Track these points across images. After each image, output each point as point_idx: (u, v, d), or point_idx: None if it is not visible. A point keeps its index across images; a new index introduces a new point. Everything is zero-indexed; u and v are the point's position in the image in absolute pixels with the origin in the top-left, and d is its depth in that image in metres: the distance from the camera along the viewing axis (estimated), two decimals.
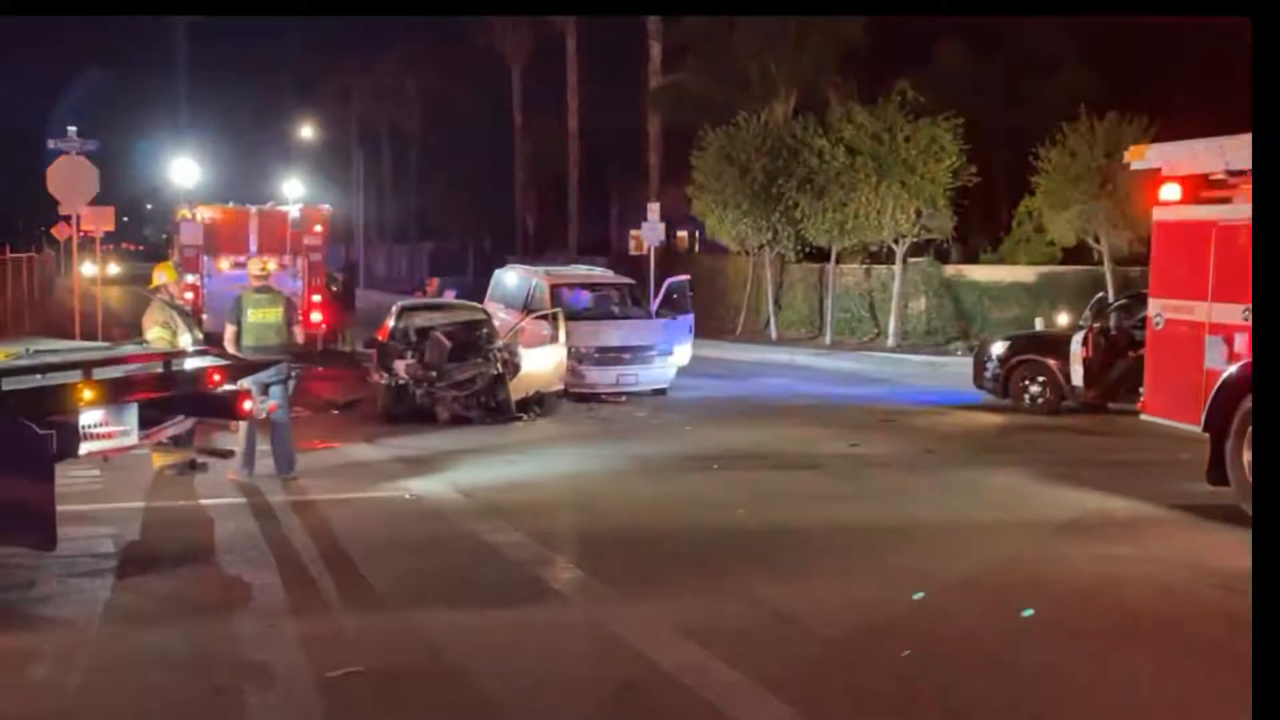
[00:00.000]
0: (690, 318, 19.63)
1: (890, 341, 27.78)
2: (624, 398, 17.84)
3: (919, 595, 7.83)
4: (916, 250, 28.43)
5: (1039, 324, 19.16)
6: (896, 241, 27.36)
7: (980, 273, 28.49)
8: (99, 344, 13.01)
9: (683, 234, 46.47)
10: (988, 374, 17.50)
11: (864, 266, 29.63)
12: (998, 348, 17.61)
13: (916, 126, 26.57)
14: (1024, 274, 27.18)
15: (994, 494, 11.53)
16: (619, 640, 6.97)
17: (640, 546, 9.24)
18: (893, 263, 28.10)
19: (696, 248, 45.31)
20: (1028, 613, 7.46)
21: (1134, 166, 11.96)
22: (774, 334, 30.60)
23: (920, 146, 26.39)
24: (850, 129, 27.31)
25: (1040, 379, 16.80)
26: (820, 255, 29.99)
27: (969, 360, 19.57)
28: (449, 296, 18.30)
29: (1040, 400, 16.76)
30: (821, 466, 12.80)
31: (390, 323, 16.36)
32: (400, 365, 15.44)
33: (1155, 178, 11.38)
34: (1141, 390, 11.80)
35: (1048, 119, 25.20)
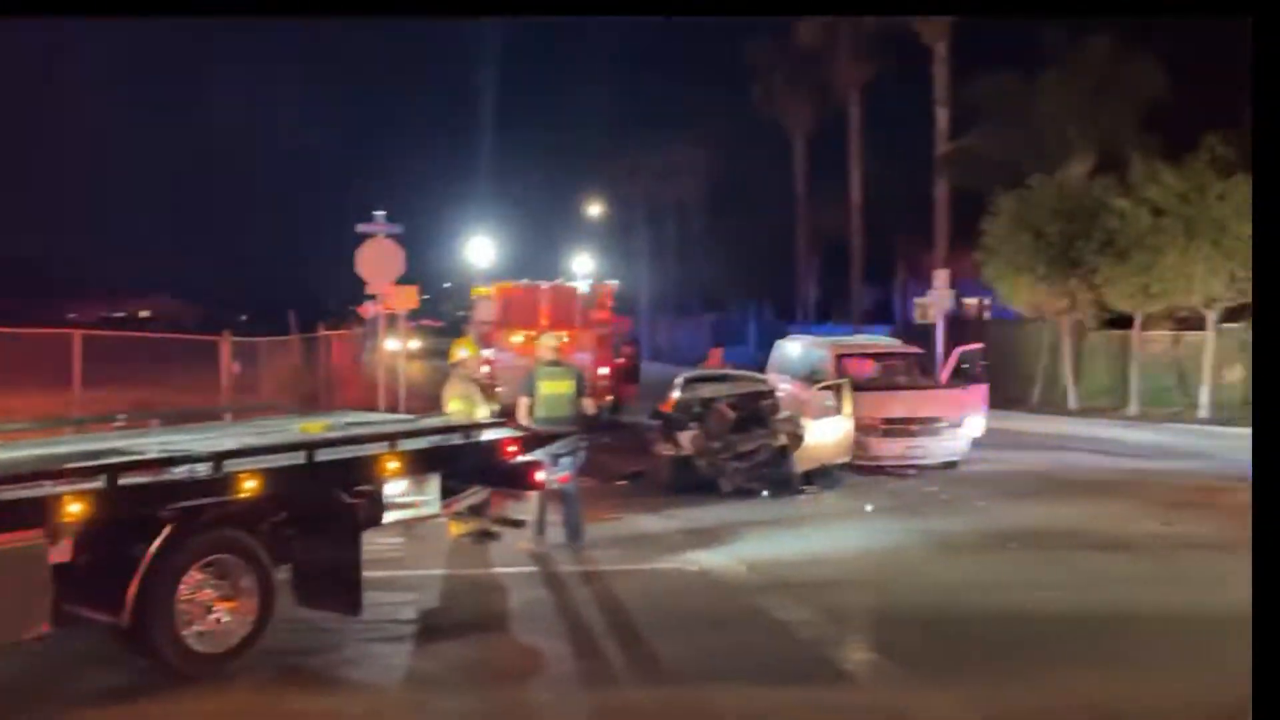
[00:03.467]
0: (984, 388, 18.87)
1: (1203, 413, 25.95)
2: (912, 471, 17.27)
3: None
4: (1230, 315, 26.56)
5: None
6: (1208, 306, 25.67)
7: None
8: (403, 416, 13.61)
9: (970, 301, 45.17)
10: None
11: (1172, 333, 27.91)
12: None
13: (1230, 183, 24.91)
14: None
15: None
16: None
17: (936, 628, 8.80)
18: (1204, 329, 26.35)
19: (986, 315, 43.91)
20: None
21: None
22: (1073, 404, 29.14)
23: (1234, 205, 24.71)
24: (1155, 188, 25.94)
25: None
26: (1121, 322, 28.51)
27: None
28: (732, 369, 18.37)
29: None
30: (1131, 547, 11.92)
31: (675, 394, 16.45)
32: (684, 436, 15.48)
33: None
34: None
35: None
